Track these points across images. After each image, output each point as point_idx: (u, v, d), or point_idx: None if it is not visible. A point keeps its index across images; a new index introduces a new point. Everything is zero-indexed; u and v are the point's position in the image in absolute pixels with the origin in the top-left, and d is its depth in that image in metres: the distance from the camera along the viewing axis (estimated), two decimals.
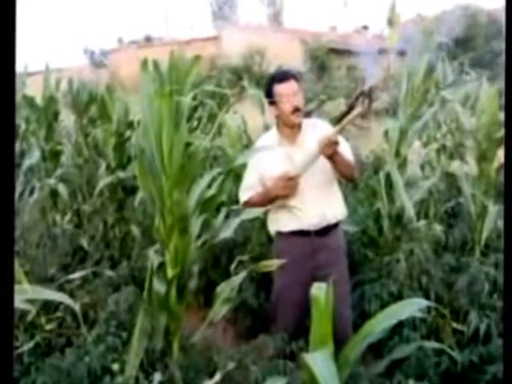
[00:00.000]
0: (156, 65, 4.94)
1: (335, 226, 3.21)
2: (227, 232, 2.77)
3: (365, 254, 4.28)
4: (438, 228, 4.16)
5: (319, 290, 1.97)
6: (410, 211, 3.73)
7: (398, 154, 3.99)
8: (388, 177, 3.94)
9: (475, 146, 4.34)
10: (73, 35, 75.55)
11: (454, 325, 3.30)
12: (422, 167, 5.98)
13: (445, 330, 3.31)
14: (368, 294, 3.69)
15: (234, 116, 5.55)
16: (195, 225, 2.79)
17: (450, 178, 5.32)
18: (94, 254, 4.53)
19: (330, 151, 2.88)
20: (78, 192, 5.23)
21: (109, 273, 3.73)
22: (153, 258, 2.61)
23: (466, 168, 4.94)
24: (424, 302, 2.10)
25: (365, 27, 31.69)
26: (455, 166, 5.09)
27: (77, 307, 2.21)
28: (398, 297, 3.58)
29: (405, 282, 3.62)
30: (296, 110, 3.06)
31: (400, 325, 3.39)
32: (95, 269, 3.82)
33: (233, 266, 3.64)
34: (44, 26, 74.59)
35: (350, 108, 2.68)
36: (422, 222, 4.08)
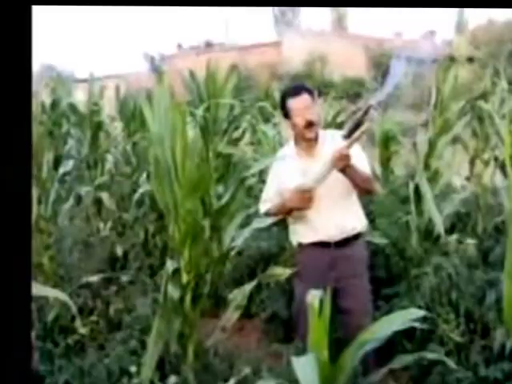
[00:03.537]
0: (192, 75, 5.05)
1: (356, 237, 3.21)
2: (239, 240, 2.84)
3: (399, 266, 4.24)
4: (471, 242, 4.07)
5: (314, 298, 2.00)
6: (439, 224, 3.68)
7: (427, 166, 3.95)
8: (418, 189, 3.91)
9: None
10: (133, 41, 76.55)
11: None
12: (469, 180, 5.87)
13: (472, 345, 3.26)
14: (396, 308, 3.66)
15: (269, 126, 5.56)
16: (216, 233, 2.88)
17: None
18: (135, 262, 4.65)
19: (341, 164, 2.88)
20: (122, 200, 5.35)
21: (124, 278, 3.84)
22: (168, 265, 2.69)
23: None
24: (420, 312, 2.09)
25: (432, 33, 30.51)
26: (498, 179, 4.98)
27: (73, 305, 2.31)
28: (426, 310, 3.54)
29: (434, 296, 3.57)
30: (309, 124, 3.07)
31: (428, 339, 3.36)
32: (112, 274, 3.93)
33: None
34: (104, 32, 76.08)
35: (359, 123, 2.65)
36: (453, 237, 4.02)
